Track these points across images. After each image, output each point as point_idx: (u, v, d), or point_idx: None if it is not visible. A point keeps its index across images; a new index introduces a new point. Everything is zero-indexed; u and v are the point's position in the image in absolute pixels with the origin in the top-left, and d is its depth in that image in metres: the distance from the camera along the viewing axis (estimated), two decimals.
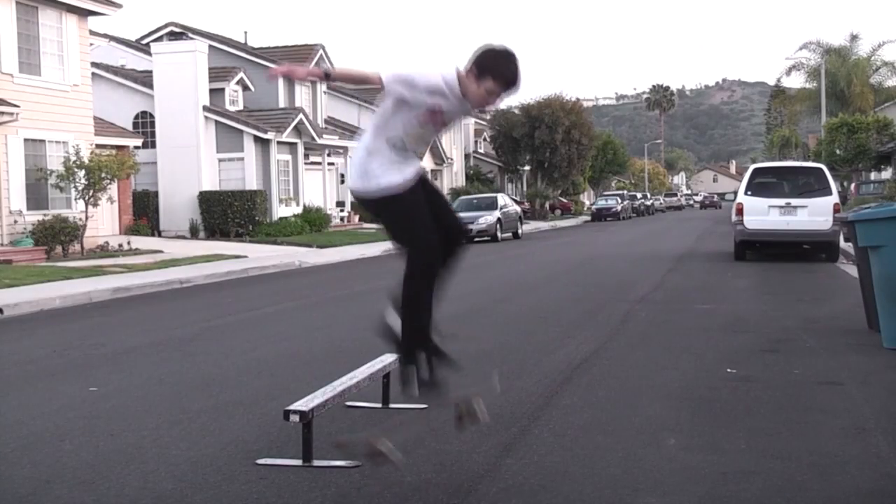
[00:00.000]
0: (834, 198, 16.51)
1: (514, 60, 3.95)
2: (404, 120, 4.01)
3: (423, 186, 4.22)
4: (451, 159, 47.58)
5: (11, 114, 19.48)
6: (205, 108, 29.17)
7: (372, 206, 4.23)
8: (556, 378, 6.39)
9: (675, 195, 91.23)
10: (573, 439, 4.79)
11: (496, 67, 3.93)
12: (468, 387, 4.49)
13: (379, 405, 5.51)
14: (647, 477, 4.14)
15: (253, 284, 15.40)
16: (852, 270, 12.59)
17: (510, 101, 51.30)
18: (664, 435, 4.83)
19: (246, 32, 55.38)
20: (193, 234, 28.60)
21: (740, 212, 16.85)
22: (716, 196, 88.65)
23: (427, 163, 44.12)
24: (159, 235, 28.21)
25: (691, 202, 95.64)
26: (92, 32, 23.57)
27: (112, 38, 30.69)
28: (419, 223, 4.08)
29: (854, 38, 48.00)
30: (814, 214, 16.29)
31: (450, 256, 4.25)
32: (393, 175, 4.08)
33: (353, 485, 4.10)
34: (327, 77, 4.28)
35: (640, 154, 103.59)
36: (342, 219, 35.32)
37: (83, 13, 21.92)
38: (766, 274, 14.78)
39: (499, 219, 29.46)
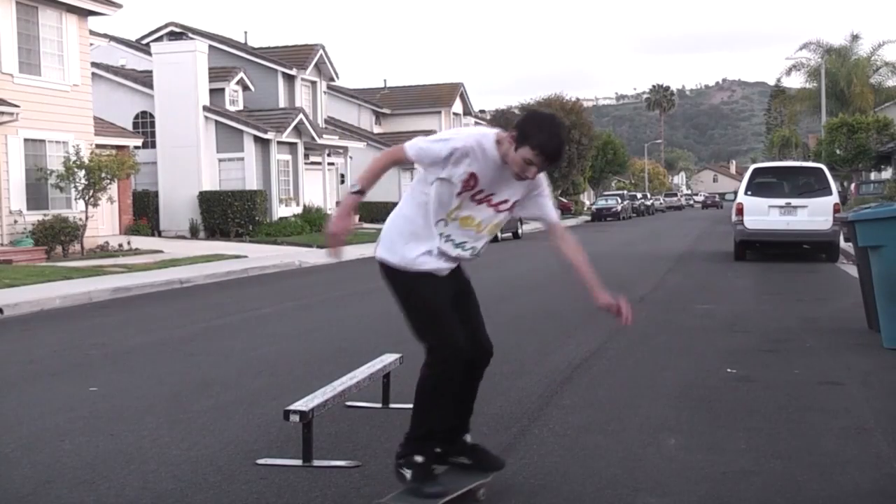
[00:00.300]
0: (834, 198, 16.52)
1: (558, 132, 3.52)
2: (439, 190, 3.57)
3: (456, 283, 3.77)
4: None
5: (11, 114, 19.48)
6: (205, 108, 29.16)
7: (394, 282, 3.72)
8: (556, 378, 6.39)
9: (675, 195, 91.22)
10: (573, 439, 4.80)
11: (536, 135, 3.46)
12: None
13: (379, 405, 5.51)
14: (647, 477, 4.14)
15: (253, 284, 15.40)
16: (852, 270, 12.58)
17: (510, 102, 51.26)
18: (664, 435, 4.83)
19: (246, 32, 55.44)
20: (193, 234, 28.59)
21: (740, 212, 16.86)
22: (717, 196, 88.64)
23: None
24: (159, 235, 28.21)
25: (691, 202, 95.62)
26: (92, 32, 23.56)
27: (112, 38, 30.67)
28: (445, 318, 3.61)
29: (855, 37, 47.96)
30: (814, 214, 16.30)
31: (470, 376, 3.77)
32: (422, 254, 3.64)
33: (353, 485, 4.10)
34: (363, 192, 3.67)
35: (640, 154, 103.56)
36: None
37: (83, 13, 21.91)
38: (766, 274, 14.78)
39: None
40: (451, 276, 3.72)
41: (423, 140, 3.59)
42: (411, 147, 3.56)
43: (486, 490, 3.85)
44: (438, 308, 3.60)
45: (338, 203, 36.29)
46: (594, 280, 3.77)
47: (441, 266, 3.65)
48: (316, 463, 4.35)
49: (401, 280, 3.66)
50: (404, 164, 3.68)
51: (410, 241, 3.64)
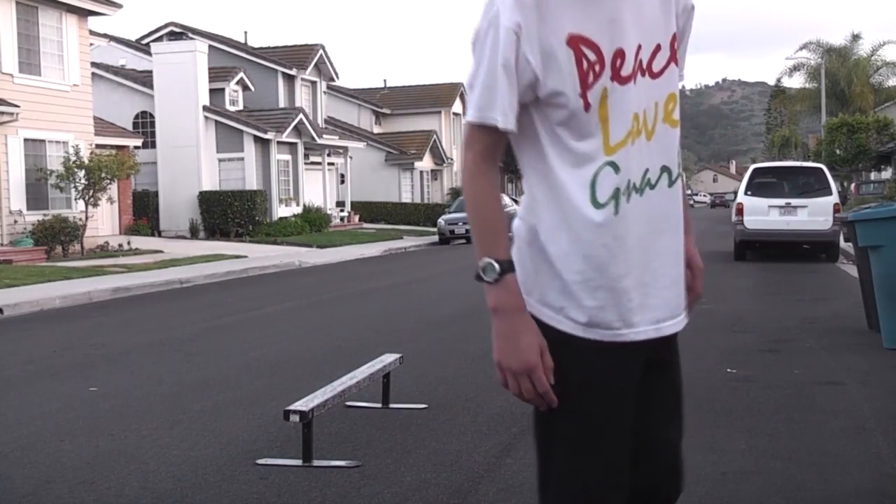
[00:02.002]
0: (834, 198, 16.51)
1: None
2: (557, 125, 1.82)
3: (648, 371, 1.90)
4: (451, 159, 47.55)
5: (11, 114, 19.48)
6: (205, 108, 29.16)
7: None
8: None
9: None
10: None
11: None
12: None
13: (379, 405, 5.51)
14: None
15: (253, 284, 15.40)
16: (852, 270, 12.58)
17: None
18: None
19: (246, 32, 55.40)
20: (193, 234, 28.59)
21: (740, 212, 16.85)
22: (725, 195, 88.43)
23: (427, 163, 44.17)
24: (159, 235, 28.21)
25: (691, 202, 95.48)
26: (92, 32, 23.56)
27: (112, 38, 30.66)
28: (606, 465, 1.85)
29: (855, 37, 47.94)
30: (814, 214, 16.29)
31: None
32: (596, 307, 1.82)
33: (353, 485, 4.10)
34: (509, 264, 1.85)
35: None
36: (342, 219, 35.32)
37: (83, 13, 21.91)
38: (766, 274, 14.78)
39: None
40: (646, 358, 1.88)
41: (472, 81, 1.82)
42: (477, 109, 1.81)
43: None
44: (600, 445, 1.84)
45: (338, 203, 35.83)
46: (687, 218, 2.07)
47: (636, 331, 1.84)
48: (316, 463, 4.34)
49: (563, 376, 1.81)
50: (499, 146, 1.86)
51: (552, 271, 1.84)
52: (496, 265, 1.78)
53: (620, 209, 1.79)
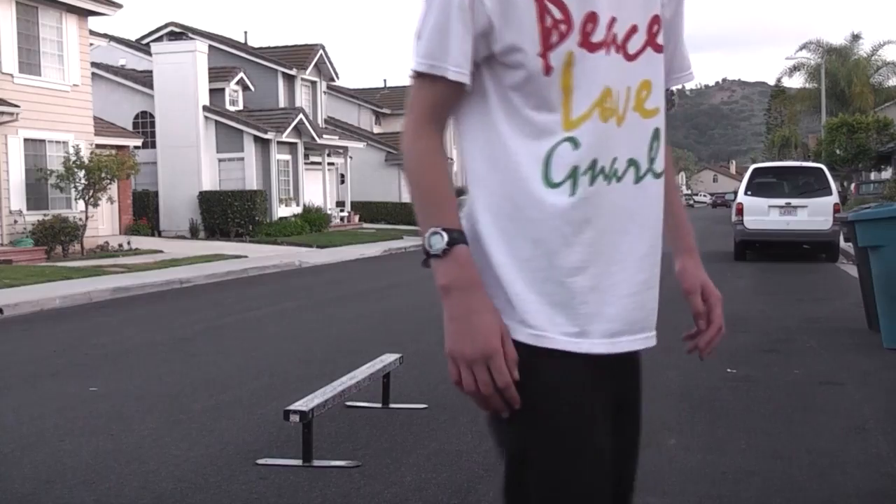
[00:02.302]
0: (834, 198, 16.52)
1: None
2: (511, 90, 1.58)
3: (616, 391, 1.72)
4: (451, 159, 47.50)
5: (11, 114, 19.48)
6: (205, 108, 29.16)
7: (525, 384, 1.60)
8: None
9: None
10: None
11: None
12: None
13: (379, 405, 5.51)
14: (647, 477, 4.13)
15: (253, 284, 15.39)
16: (852, 270, 12.58)
17: None
18: (664, 435, 4.82)
19: (246, 32, 55.32)
20: (193, 234, 28.59)
21: (740, 212, 16.86)
22: (726, 195, 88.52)
23: None
24: (159, 235, 28.20)
25: (692, 202, 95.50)
26: (92, 32, 23.56)
27: (112, 38, 30.66)
28: (588, 471, 1.58)
29: (855, 37, 47.95)
30: (814, 214, 16.30)
31: None
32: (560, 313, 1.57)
33: (353, 485, 4.10)
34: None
35: None
36: (342, 219, 35.31)
37: (83, 13, 21.91)
38: (766, 274, 14.78)
39: None
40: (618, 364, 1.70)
41: (421, 26, 1.59)
42: (425, 57, 1.57)
43: None
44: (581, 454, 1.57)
45: (338, 203, 35.77)
46: (689, 240, 1.98)
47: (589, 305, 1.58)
48: (316, 463, 4.34)
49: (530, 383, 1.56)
50: (447, 107, 1.61)
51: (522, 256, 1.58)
52: (444, 235, 1.51)
53: (578, 192, 1.54)
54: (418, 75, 1.58)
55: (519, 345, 1.53)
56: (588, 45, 1.55)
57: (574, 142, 1.55)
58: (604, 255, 1.57)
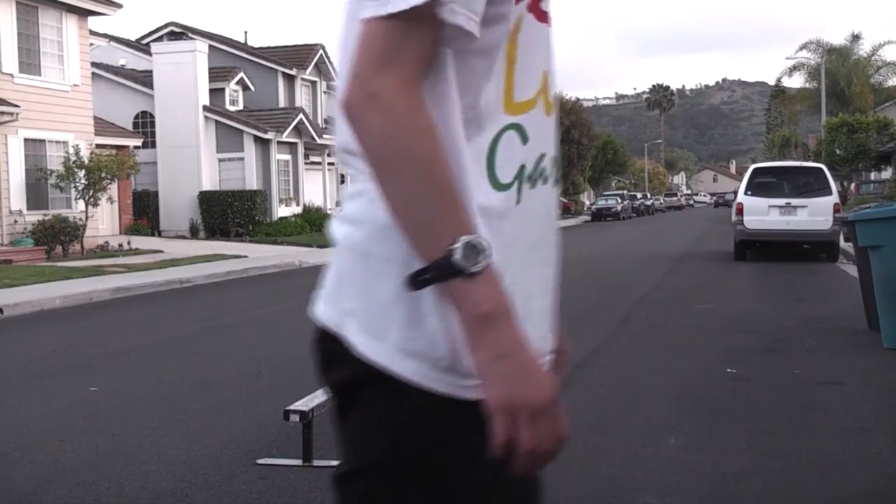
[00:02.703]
0: (834, 198, 16.52)
1: None
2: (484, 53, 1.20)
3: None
4: None
5: (11, 114, 19.48)
6: (205, 108, 29.16)
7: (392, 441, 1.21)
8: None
9: (676, 195, 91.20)
10: (573, 439, 4.77)
11: None
12: None
13: None
14: (647, 477, 4.13)
15: (253, 284, 15.39)
16: (852, 270, 12.58)
17: None
18: (664, 435, 4.82)
19: (246, 32, 55.30)
20: (193, 234, 28.59)
21: (740, 212, 16.86)
22: (727, 195, 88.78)
23: None
24: (159, 235, 28.21)
25: (692, 202, 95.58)
26: (92, 32, 23.56)
27: (112, 38, 30.67)
28: None
29: (855, 37, 47.96)
30: (814, 214, 16.30)
31: None
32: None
33: None
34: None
35: (640, 154, 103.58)
36: None
37: (83, 13, 21.91)
38: (766, 274, 14.78)
39: None
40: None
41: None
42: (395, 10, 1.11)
43: None
44: None
45: (338, 203, 36.32)
46: None
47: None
48: (316, 463, 4.34)
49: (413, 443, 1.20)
50: (432, 65, 1.16)
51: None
52: (483, 244, 1.11)
53: (522, 198, 1.24)
54: (405, 17, 1.09)
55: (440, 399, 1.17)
56: (537, 11, 1.23)
57: (522, 132, 1.24)
58: (525, 274, 1.25)
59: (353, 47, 1.13)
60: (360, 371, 1.19)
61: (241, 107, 31.90)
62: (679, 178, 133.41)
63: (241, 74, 31.90)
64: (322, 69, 35.73)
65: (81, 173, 20.29)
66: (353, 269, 1.23)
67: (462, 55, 1.16)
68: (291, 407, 4.33)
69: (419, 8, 1.09)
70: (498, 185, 1.20)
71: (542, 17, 1.24)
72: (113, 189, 22.81)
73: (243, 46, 35.16)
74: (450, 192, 1.12)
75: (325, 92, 37.24)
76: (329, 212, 33.49)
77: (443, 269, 1.11)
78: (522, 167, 1.23)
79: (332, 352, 1.24)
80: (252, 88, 32.30)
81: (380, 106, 1.09)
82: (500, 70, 1.20)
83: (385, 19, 1.10)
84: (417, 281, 1.13)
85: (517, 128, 1.22)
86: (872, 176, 41.72)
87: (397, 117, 1.09)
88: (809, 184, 17.04)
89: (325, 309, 1.28)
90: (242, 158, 29.39)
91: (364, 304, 1.20)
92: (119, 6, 22.73)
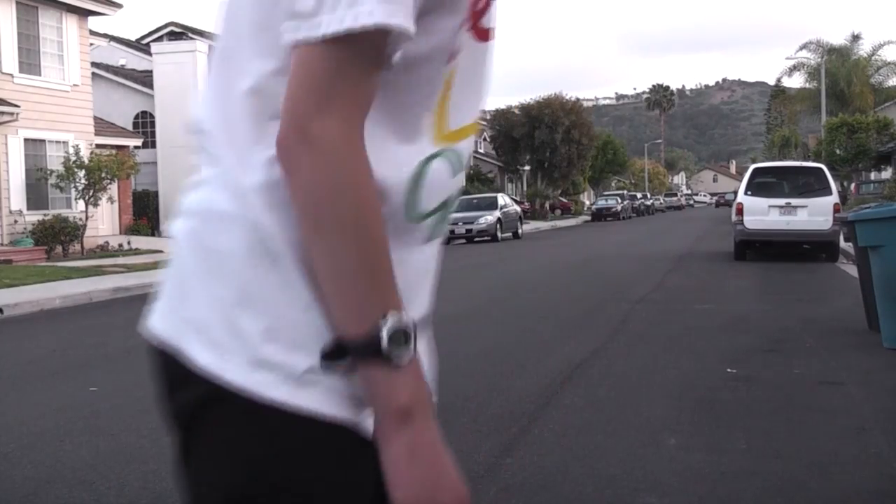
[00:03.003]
0: (834, 198, 16.51)
1: None
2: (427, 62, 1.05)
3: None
4: None
5: (11, 114, 19.49)
6: None
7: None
8: (556, 378, 6.39)
9: (676, 195, 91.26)
10: (573, 439, 4.79)
11: None
12: None
13: None
14: (647, 477, 4.13)
15: None
16: (852, 270, 12.58)
17: (510, 102, 51.43)
18: (664, 435, 4.82)
19: None
20: None
21: (740, 212, 16.86)
22: (727, 195, 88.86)
23: None
24: (159, 235, 28.21)
25: (691, 202, 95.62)
26: (92, 32, 23.58)
27: (112, 38, 30.68)
28: None
29: (855, 38, 48.00)
30: (814, 214, 16.30)
31: None
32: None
33: None
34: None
35: (640, 154, 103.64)
36: None
37: (83, 13, 21.92)
38: (766, 274, 14.77)
39: (499, 219, 29.51)
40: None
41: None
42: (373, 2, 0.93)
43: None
44: None
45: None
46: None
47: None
48: None
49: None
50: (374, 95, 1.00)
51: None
52: (410, 328, 0.98)
53: (435, 233, 1.14)
54: (354, 38, 0.93)
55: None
56: (478, 30, 1.09)
57: (458, 160, 1.12)
58: (415, 313, 1.07)
59: (289, 77, 0.96)
60: (204, 391, 1.00)
61: None
62: (679, 178, 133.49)
63: None
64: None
65: (81, 173, 20.30)
66: (195, 270, 1.05)
67: (393, 72, 1.01)
68: None
69: (363, 26, 0.92)
70: (413, 215, 1.07)
71: (483, 35, 1.09)
72: (113, 189, 22.82)
73: None
74: (382, 263, 0.97)
75: None
76: None
77: (363, 352, 0.96)
78: (446, 202, 1.12)
79: (171, 372, 1.06)
80: None
81: (318, 152, 0.94)
82: (433, 92, 1.07)
83: (322, 44, 0.93)
84: (329, 359, 0.98)
85: (455, 156, 1.11)
86: (872, 176, 41.74)
87: (336, 168, 0.94)
88: (809, 184, 17.04)
89: (162, 321, 1.10)
90: None
91: (208, 310, 1.02)
92: (119, 6, 22.74)
